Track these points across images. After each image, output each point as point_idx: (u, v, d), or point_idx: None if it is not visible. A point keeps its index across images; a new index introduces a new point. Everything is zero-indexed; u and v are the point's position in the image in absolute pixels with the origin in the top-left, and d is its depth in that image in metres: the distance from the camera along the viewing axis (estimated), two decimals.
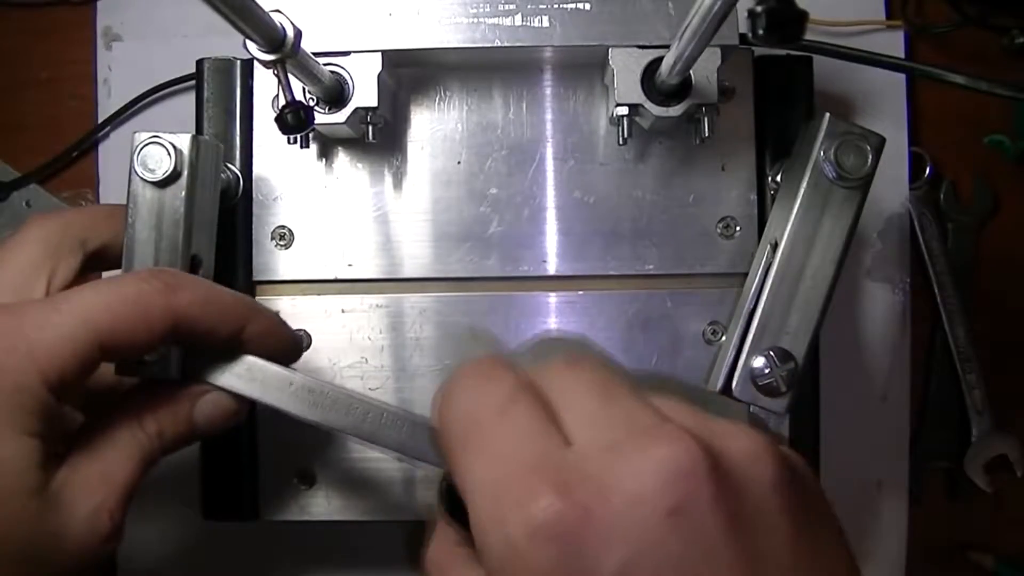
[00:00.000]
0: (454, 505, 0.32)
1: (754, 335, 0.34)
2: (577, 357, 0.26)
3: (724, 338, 0.40)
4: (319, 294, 0.42)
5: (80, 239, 0.35)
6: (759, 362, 0.34)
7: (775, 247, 0.35)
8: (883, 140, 0.35)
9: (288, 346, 0.36)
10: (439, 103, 0.42)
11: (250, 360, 0.34)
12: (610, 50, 0.37)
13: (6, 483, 0.28)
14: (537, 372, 0.26)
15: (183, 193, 0.35)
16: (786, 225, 0.35)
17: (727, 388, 0.34)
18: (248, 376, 0.34)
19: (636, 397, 0.24)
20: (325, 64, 0.37)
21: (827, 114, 0.35)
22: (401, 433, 0.34)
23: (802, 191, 0.35)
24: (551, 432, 0.24)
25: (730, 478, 0.22)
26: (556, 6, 0.37)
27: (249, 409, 0.36)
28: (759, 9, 0.24)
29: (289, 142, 0.40)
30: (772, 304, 0.35)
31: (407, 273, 0.42)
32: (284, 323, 0.37)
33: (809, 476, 0.24)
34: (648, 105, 0.37)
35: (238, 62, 0.42)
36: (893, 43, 0.49)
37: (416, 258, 0.42)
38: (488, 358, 0.26)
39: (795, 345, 0.34)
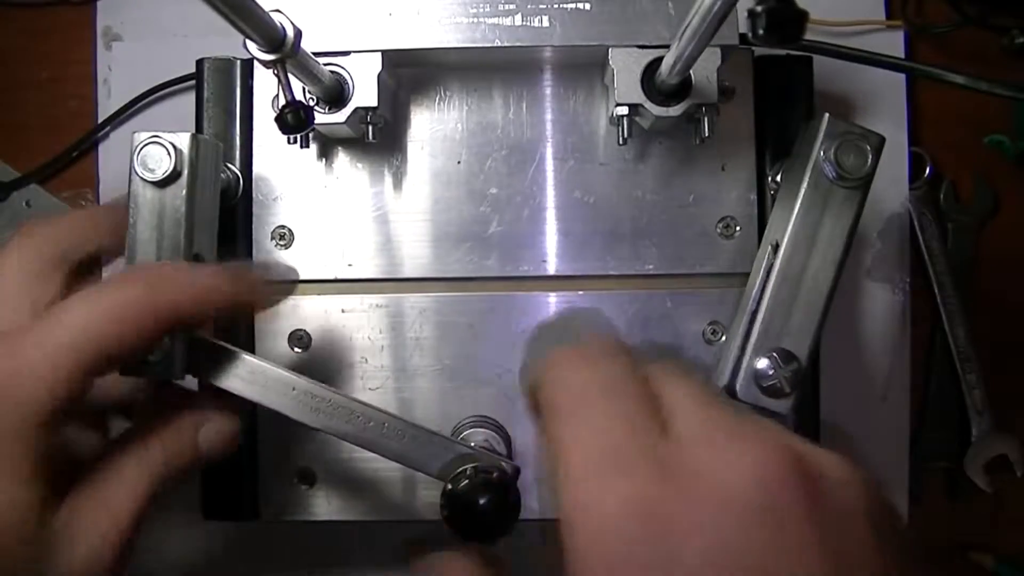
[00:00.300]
0: (454, 513, 0.32)
1: (757, 336, 0.34)
2: (687, 369, 0.28)
3: (725, 339, 0.40)
4: (319, 294, 0.42)
5: (60, 253, 0.35)
6: (762, 363, 0.34)
7: (776, 248, 0.35)
8: (883, 139, 0.35)
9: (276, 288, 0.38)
10: (439, 103, 0.42)
11: (253, 363, 0.34)
12: (610, 50, 0.37)
13: (2, 536, 0.28)
14: (647, 366, 0.27)
15: (183, 192, 0.34)
16: (787, 226, 0.35)
17: (731, 389, 0.34)
18: (250, 379, 0.34)
19: (736, 410, 0.26)
20: (325, 64, 0.37)
21: (826, 114, 0.35)
22: (402, 443, 0.34)
23: (802, 192, 0.35)
24: (655, 418, 0.25)
25: (823, 492, 0.22)
26: (556, 6, 0.37)
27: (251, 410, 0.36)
28: (759, 9, 0.24)
29: (289, 142, 0.40)
30: (774, 305, 0.35)
31: (407, 273, 0.42)
32: (261, 268, 0.38)
33: (896, 513, 0.25)
34: (648, 105, 0.37)
35: (238, 62, 0.42)
36: (893, 43, 0.49)
37: (416, 258, 0.42)
38: (607, 338, 0.28)
39: (798, 346, 0.34)
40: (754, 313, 0.35)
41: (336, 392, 0.34)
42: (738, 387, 0.34)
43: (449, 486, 0.32)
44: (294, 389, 0.34)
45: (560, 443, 0.25)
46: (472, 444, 0.37)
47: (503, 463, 0.34)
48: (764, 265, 0.35)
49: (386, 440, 0.34)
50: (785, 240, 0.35)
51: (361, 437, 0.34)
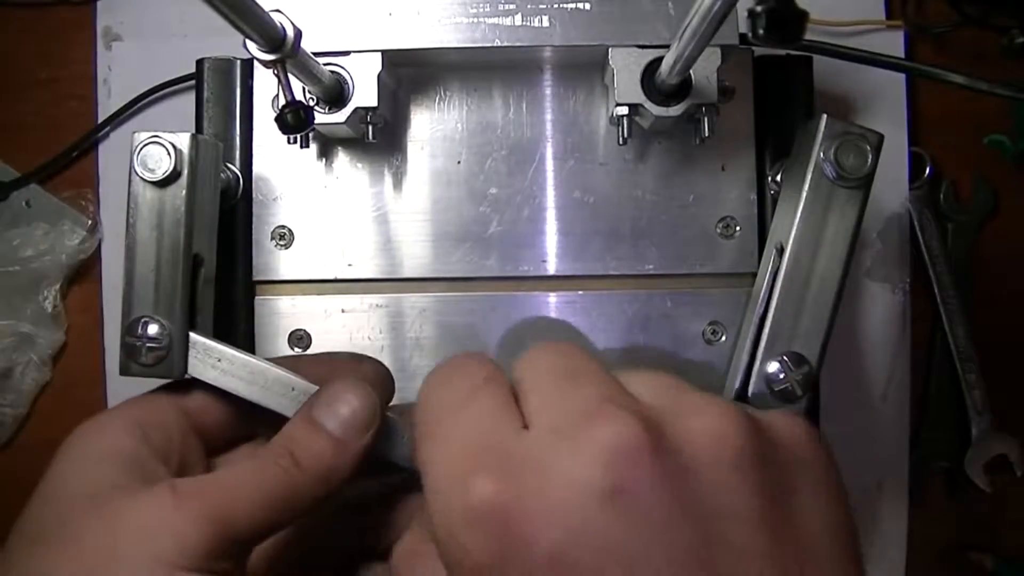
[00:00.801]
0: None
1: (766, 340, 0.34)
2: (546, 344, 0.26)
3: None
4: (319, 294, 0.42)
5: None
6: (773, 367, 0.34)
7: (781, 251, 0.35)
8: (882, 137, 0.35)
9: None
10: (439, 103, 0.42)
11: (252, 363, 0.34)
12: (610, 50, 0.37)
13: None
14: (513, 363, 0.26)
15: (183, 193, 0.34)
16: (791, 228, 0.35)
17: (742, 395, 0.34)
18: (250, 379, 0.34)
19: (600, 381, 0.24)
20: (325, 64, 0.37)
21: (824, 115, 0.35)
22: (402, 445, 0.34)
23: (804, 194, 0.35)
24: (508, 418, 0.24)
25: (679, 457, 0.21)
26: (556, 6, 0.37)
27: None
28: (759, 9, 0.24)
29: (289, 142, 0.40)
30: (782, 308, 0.34)
31: (407, 273, 0.42)
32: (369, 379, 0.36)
33: (800, 447, 0.23)
34: (648, 105, 0.37)
35: (238, 62, 0.42)
36: (893, 43, 0.49)
37: (416, 258, 0.42)
38: (464, 353, 0.27)
39: (808, 348, 0.34)
40: (763, 317, 0.35)
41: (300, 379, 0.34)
42: (750, 392, 0.34)
43: None
44: (293, 389, 0.33)
45: (420, 467, 0.24)
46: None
47: None
48: (770, 268, 0.35)
49: (387, 441, 0.33)
50: (790, 243, 0.35)
51: None
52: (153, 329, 0.33)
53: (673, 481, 0.21)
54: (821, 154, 0.35)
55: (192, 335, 0.34)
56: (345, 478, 0.31)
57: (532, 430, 0.23)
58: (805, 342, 0.34)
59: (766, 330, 0.34)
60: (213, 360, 0.34)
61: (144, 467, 0.30)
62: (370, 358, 0.37)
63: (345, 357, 0.38)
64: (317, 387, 0.33)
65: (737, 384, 0.34)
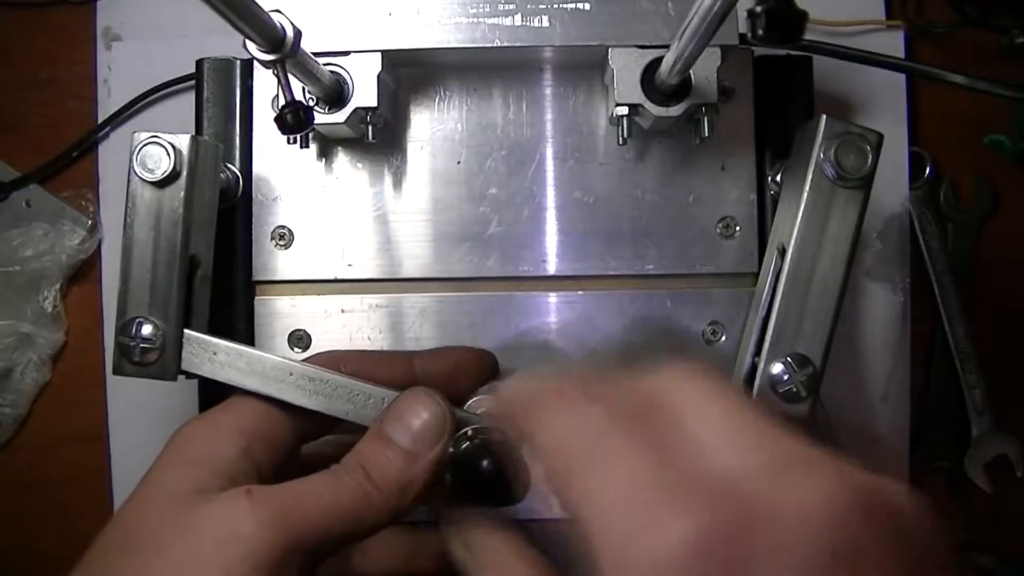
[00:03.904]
0: (458, 477, 0.32)
1: (770, 342, 0.34)
2: (690, 367, 0.25)
3: (726, 340, 0.40)
4: (319, 294, 0.42)
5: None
6: (777, 369, 0.34)
7: (783, 252, 0.35)
8: (881, 136, 0.35)
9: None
10: (439, 103, 0.42)
11: (248, 352, 0.34)
12: (610, 50, 0.37)
13: None
14: (647, 383, 0.24)
15: (182, 193, 0.34)
16: (792, 230, 0.35)
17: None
18: (247, 369, 0.34)
19: (767, 418, 0.23)
20: (325, 64, 0.37)
21: (824, 116, 0.35)
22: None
23: (805, 195, 0.35)
24: (683, 447, 0.22)
25: (899, 529, 0.20)
26: (556, 6, 0.37)
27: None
28: (759, 9, 0.24)
29: (289, 142, 0.40)
30: (785, 309, 0.34)
31: (407, 273, 0.42)
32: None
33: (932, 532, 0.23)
34: (648, 105, 0.37)
35: (238, 62, 0.42)
36: (893, 43, 0.49)
37: (416, 258, 0.41)
38: (572, 374, 0.25)
39: (811, 349, 0.34)
40: (765, 319, 0.35)
41: (332, 372, 0.34)
42: (755, 394, 0.34)
43: (451, 449, 0.32)
44: (291, 374, 0.33)
45: (576, 501, 0.22)
46: (479, 412, 0.36)
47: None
48: (772, 269, 0.35)
49: (367, 412, 0.33)
50: (792, 244, 0.35)
51: (363, 415, 0.33)
52: (147, 330, 0.34)
53: (892, 546, 0.20)
54: (821, 154, 0.35)
55: (187, 332, 0.34)
56: (419, 491, 0.31)
57: (727, 464, 0.21)
58: (808, 343, 0.34)
59: (769, 332, 0.34)
60: (209, 354, 0.34)
61: (236, 476, 0.30)
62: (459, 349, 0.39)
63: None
64: (315, 371, 0.33)
65: (740, 385, 0.34)
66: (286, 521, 0.28)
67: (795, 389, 0.33)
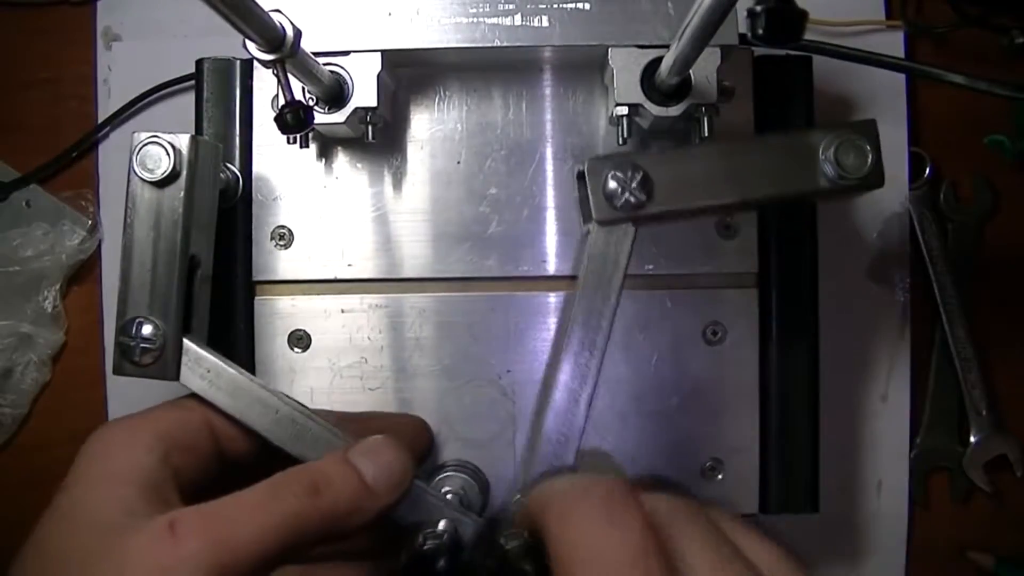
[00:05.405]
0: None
1: None
2: (695, 504, 0.26)
3: (726, 340, 0.40)
4: (319, 294, 0.42)
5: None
6: (612, 185, 0.32)
7: None
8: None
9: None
10: (439, 103, 0.42)
11: (240, 379, 0.33)
12: (610, 50, 0.37)
13: None
14: (663, 514, 0.25)
15: (182, 193, 0.34)
16: None
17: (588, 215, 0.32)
18: (234, 394, 0.33)
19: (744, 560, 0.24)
20: (325, 64, 0.37)
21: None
22: (424, 510, 0.33)
23: None
24: None
25: None
26: (556, 6, 0.37)
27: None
28: (759, 9, 0.24)
29: (289, 142, 0.40)
30: None
31: (407, 273, 0.42)
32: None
33: None
34: (648, 105, 0.37)
35: (238, 62, 0.42)
36: (893, 43, 0.49)
37: (416, 258, 0.41)
38: (614, 490, 0.25)
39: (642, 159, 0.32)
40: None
41: (320, 422, 0.33)
42: (594, 212, 0.32)
43: (419, 540, 0.32)
44: (277, 412, 0.33)
45: None
46: (446, 490, 0.37)
47: (465, 518, 0.33)
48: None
49: None
50: None
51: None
52: (147, 330, 0.33)
53: None
54: (821, 154, 0.34)
55: (186, 342, 0.34)
56: (362, 526, 0.30)
57: None
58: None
59: None
60: (201, 369, 0.34)
61: (160, 491, 0.29)
62: (407, 415, 0.40)
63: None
64: (301, 413, 0.33)
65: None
66: (216, 551, 0.27)
67: (631, 199, 0.32)
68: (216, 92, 0.42)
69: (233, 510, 0.28)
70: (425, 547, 0.31)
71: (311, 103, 0.37)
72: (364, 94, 0.37)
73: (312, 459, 0.32)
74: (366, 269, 0.42)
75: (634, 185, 0.31)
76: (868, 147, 0.34)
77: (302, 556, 0.29)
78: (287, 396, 0.34)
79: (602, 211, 0.32)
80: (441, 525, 0.32)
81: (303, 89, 0.37)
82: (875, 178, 0.32)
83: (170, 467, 0.30)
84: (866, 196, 0.35)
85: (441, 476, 0.39)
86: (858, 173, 0.34)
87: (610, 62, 0.37)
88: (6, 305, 0.50)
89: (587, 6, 0.37)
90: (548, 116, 0.42)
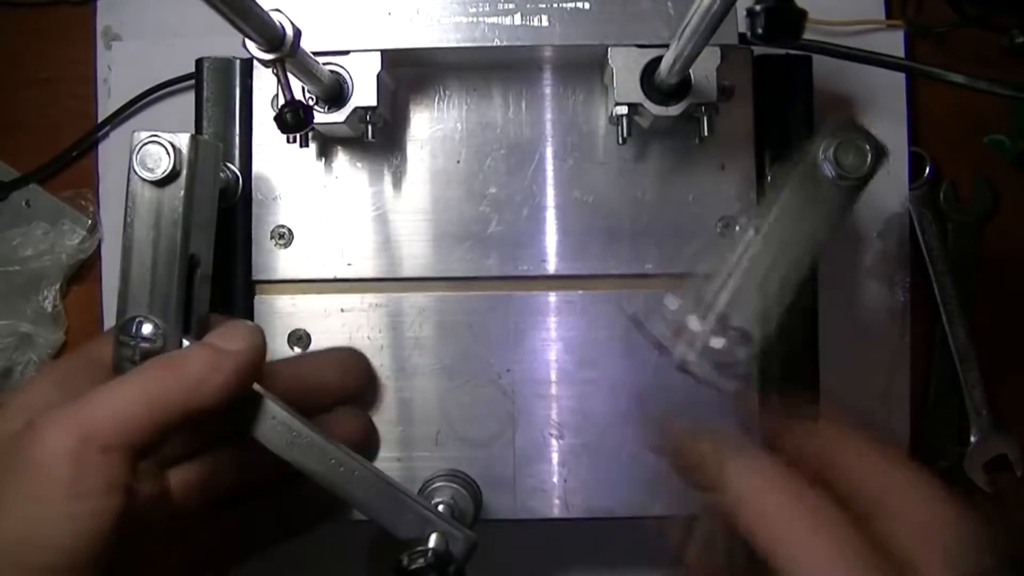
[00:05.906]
0: None
1: (719, 314, 0.34)
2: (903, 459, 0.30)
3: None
4: (318, 293, 0.42)
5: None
6: (718, 343, 0.33)
7: (754, 231, 0.34)
8: (884, 146, 0.34)
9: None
10: (439, 103, 0.42)
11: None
12: (609, 49, 0.37)
13: None
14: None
15: (182, 193, 0.34)
16: (769, 215, 0.34)
17: (682, 364, 0.34)
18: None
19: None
20: (324, 63, 0.37)
21: (829, 118, 0.35)
22: (366, 493, 0.34)
23: (791, 183, 0.34)
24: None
25: None
26: (555, 5, 0.37)
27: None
28: (758, 9, 0.24)
29: (288, 141, 0.40)
30: (740, 287, 0.34)
31: (406, 272, 0.42)
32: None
33: None
34: (647, 104, 0.37)
35: (238, 62, 0.42)
36: (893, 43, 0.49)
37: (415, 257, 0.41)
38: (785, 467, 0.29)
39: (756, 328, 0.34)
40: (718, 292, 0.34)
41: (314, 430, 0.34)
42: (692, 362, 0.33)
43: (403, 561, 0.33)
44: (273, 418, 0.34)
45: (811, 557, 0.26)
46: (436, 501, 0.37)
47: (457, 532, 0.34)
48: (739, 248, 0.35)
49: (351, 487, 0.34)
50: (765, 227, 0.34)
51: (328, 478, 0.34)
52: (147, 329, 0.33)
53: None
54: (821, 152, 0.34)
55: (186, 341, 0.34)
56: (223, 395, 0.31)
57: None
58: (755, 322, 0.34)
59: (720, 304, 0.34)
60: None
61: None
62: (342, 348, 0.41)
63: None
64: (296, 419, 0.34)
65: (682, 351, 0.34)
66: (80, 432, 0.29)
67: (732, 363, 0.33)
68: (216, 91, 0.42)
69: (94, 394, 0.30)
70: (412, 568, 0.32)
71: (311, 102, 0.37)
72: (364, 93, 0.37)
73: (302, 466, 0.34)
74: (366, 268, 0.42)
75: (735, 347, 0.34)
76: (867, 146, 0.34)
77: (181, 432, 0.31)
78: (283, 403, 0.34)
79: (723, 384, 0.34)
80: (432, 541, 0.33)
81: (303, 88, 0.37)
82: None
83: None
84: (866, 196, 0.35)
85: (432, 487, 0.39)
86: (858, 173, 0.34)
87: (610, 61, 0.37)
88: (6, 305, 0.50)
89: (587, 5, 0.37)
90: (548, 115, 0.42)
